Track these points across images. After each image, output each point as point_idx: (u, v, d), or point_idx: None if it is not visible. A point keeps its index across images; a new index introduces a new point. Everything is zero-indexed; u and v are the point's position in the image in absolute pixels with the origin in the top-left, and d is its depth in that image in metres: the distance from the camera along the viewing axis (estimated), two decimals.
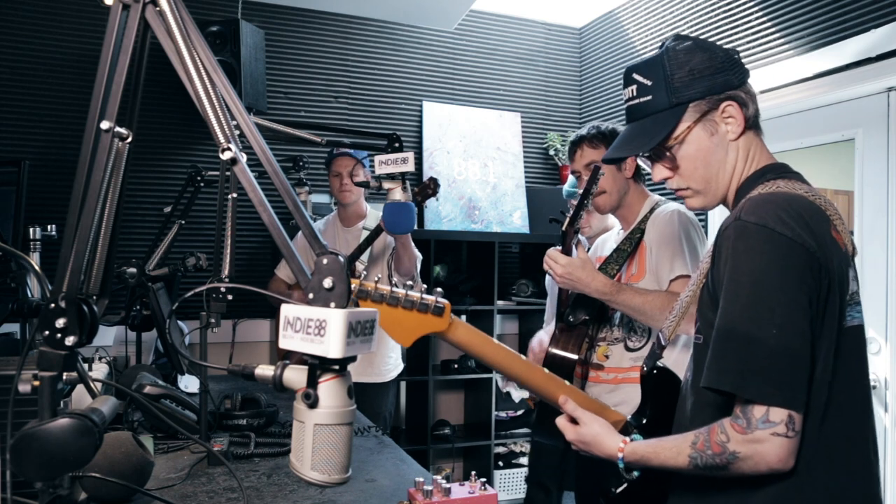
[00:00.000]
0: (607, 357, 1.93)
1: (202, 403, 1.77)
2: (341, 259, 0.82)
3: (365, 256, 2.86)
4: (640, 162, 1.31)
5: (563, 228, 1.81)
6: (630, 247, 1.91)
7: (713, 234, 2.87)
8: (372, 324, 0.83)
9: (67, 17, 3.36)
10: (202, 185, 2.70)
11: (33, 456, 0.86)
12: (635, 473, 1.20)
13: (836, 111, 2.78)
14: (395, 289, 1.11)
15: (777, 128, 2.91)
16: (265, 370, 0.86)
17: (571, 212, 1.81)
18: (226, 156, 0.89)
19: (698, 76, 1.16)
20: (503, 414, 4.00)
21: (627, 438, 1.17)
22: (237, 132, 0.93)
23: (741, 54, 1.23)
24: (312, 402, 0.82)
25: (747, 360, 1.00)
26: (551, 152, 4.31)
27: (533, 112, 4.36)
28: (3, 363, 1.28)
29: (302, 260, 0.86)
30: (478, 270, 3.99)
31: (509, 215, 4.11)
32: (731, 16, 3.21)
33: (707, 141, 1.17)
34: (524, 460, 3.95)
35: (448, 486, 1.38)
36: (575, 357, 1.83)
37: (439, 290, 1.14)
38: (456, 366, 3.85)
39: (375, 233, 2.69)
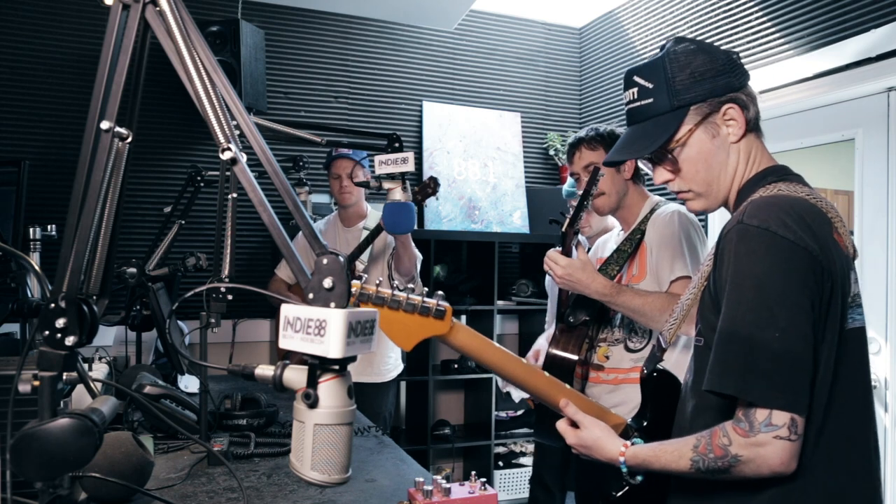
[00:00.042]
0: (608, 358, 1.93)
1: (202, 403, 1.77)
2: (341, 259, 0.82)
3: (365, 256, 2.86)
4: (640, 164, 1.31)
5: (563, 229, 1.81)
6: (630, 248, 1.91)
7: (713, 236, 2.87)
8: (372, 324, 0.83)
9: (67, 17, 3.36)
10: (202, 185, 2.70)
11: (33, 456, 0.86)
12: (639, 478, 1.19)
13: (836, 111, 2.78)
14: (396, 292, 1.11)
15: (777, 128, 2.92)
16: (265, 370, 0.86)
17: (571, 213, 1.81)
18: (226, 156, 0.89)
19: (699, 79, 1.16)
20: (503, 414, 4.00)
21: (628, 442, 1.17)
22: (237, 132, 0.93)
23: (741, 54, 1.23)
24: (312, 402, 0.82)
25: (750, 364, 1.00)
26: (551, 152, 4.31)
27: (533, 112, 4.36)
28: (3, 363, 1.28)
29: (302, 260, 0.86)
30: (478, 270, 3.99)
31: (509, 215, 4.11)
32: (731, 16, 3.21)
33: (709, 143, 1.17)
34: (524, 460, 3.95)
35: (448, 486, 1.38)
36: (575, 358, 1.82)
37: (441, 293, 1.14)
38: (456, 366, 3.85)
39: (375, 232, 2.69)
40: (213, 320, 1.63)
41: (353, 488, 1.55)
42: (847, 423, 1.07)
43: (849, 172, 2.70)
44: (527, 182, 4.22)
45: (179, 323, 2.97)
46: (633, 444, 1.16)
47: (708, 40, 3.20)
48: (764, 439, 0.99)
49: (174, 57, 0.93)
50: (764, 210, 1.06)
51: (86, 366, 1.75)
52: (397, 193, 2.00)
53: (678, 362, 1.73)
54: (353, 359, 0.82)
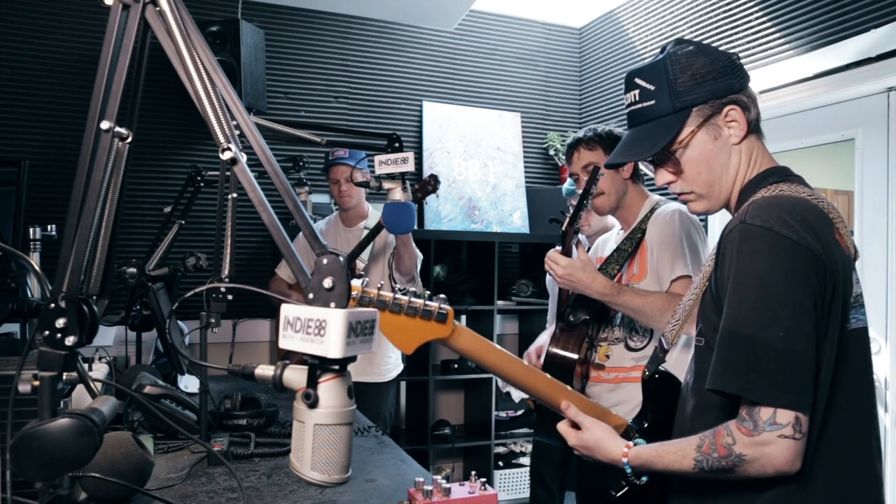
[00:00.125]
0: (608, 357, 1.93)
1: (202, 403, 1.77)
2: (341, 259, 0.82)
3: (366, 255, 2.86)
4: (641, 165, 1.31)
5: (563, 228, 1.81)
6: (631, 247, 1.91)
7: (714, 236, 2.88)
8: (372, 324, 0.83)
9: (67, 17, 3.36)
10: (202, 185, 2.70)
11: (33, 456, 0.86)
12: (644, 479, 1.19)
13: (836, 111, 2.78)
14: (397, 295, 1.10)
15: (777, 128, 2.92)
16: (265, 370, 0.86)
17: (571, 212, 1.81)
18: (226, 156, 0.89)
19: (701, 80, 1.16)
20: (503, 414, 4.00)
21: (631, 443, 1.17)
22: (237, 132, 0.93)
23: (741, 55, 1.23)
24: (312, 402, 0.82)
25: (753, 363, 1.00)
26: (551, 152, 4.31)
27: (533, 112, 4.36)
28: (3, 363, 1.28)
29: (302, 260, 0.86)
30: (478, 270, 3.99)
31: (509, 215, 4.11)
32: (731, 16, 3.21)
33: (710, 145, 1.17)
34: (524, 460, 3.95)
35: (448, 486, 1.38)
36: (575, 357, 1.83)
37: (442, 296, 1.13)
38: (456, 366, 3.85)
39: (376, 230, 2.69)
40: (213, 320, 1.63)
41: (353, 488, 1.55)
42: (849, 423, 1.07)
43: (849, 172, 2.70)
44: (527, 182, 4.22)
45: (179, 323, 2.97)
46: (635, 444, 1.16)
47: (708, 40, 3.20)
48: (768, 438, 0.99)
49: (174, 57, 0.93)
50: (766, 210, 1.06)
51: (86, 366, 1.75)
52: (397, 193, 2.00)
53: (678, 362, 1.73)
54: (353, 359, 0.82)
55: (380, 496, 1.52)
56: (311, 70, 3.84)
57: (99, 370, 1.77)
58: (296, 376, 0.84)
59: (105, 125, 0.93)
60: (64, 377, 0.92)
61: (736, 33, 3.17)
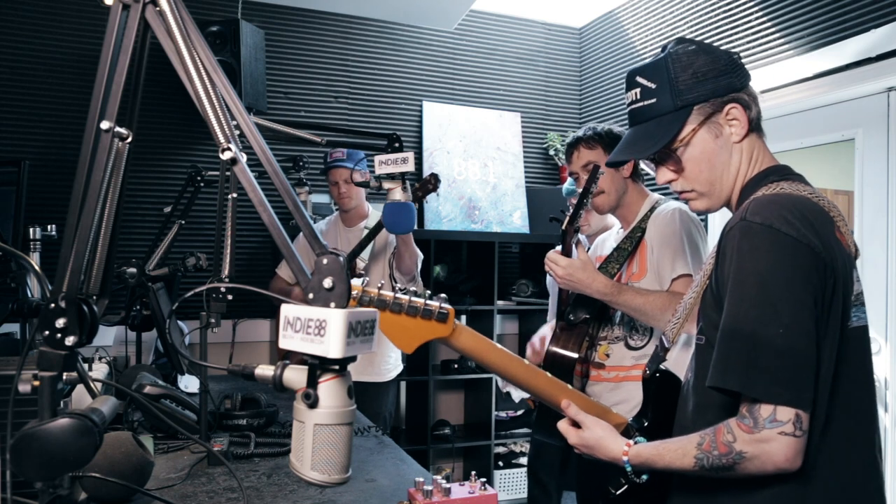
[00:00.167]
0: (608, 356, 1.93)
1: (202, 403, 1.77)
2: (341, 259, 0.82)
3: (366, 254, 2.86)
4: (642, 164, 1.31)
5: (563, 227, 1.81)
6: (631, 246, 1.91)
7: (713, 234, 2.87)
8: (372, 324, 0.83)
9: (67, 17, 3.36)
10: (202, 185, 2.70)
11: (33, 456, 0.86)
12: (644, 477, 1.19)
13: (836, 111, 2.78)
14: (397, 295, 1.10)
15: (777, 128, 2.91)
16: (265, 370, 0.86)
17: (571, 211, 1.81)
18: (226, 156, 0.89)
19: (702, 79, 1.16)
20: (503, 414, 4.00)
21: (631, 441, 1.17)
22: (237, 132, 0.93)
23: (741, 54, 1.23)
24: (312, 402, 0.82)
25: (753, 360, 1.00)
26: (551, 152, 4.31)
27: (533, 112, 4.36)
28: (3, 363, 1.28)
29: (303, 260, 0.86)
30: (478, 270, 3.99)
31: (509, 215, 4.11)
32: (731, 16, 3.21)
33: (712, 143, 1.18)
34: (524, 460, 3.95)
35: (448, 486, 1.38)
36: (575, 356, 1.83)
37: (443, 295, 1.13)
38: (456, 366, 3.85)
39: (376, 230, 2.69)
40: (213, 320, 1.63)
41: (353, 488, 1.55)
42: (850, 421, 1.07)
43: (849, 172, 2.70)
44: (527, 182, 4.22)
45: (179, 323, 2.97)
46: (635, 443, 1.16)
47: (708, 40, 3.20)
48: (769, 435, 0.99)
49: (174, 57, 0.93)
50: (767, 207, 1.06)
51: (86, 366, 1.75)
52: (397, 193, 2.00)
53: (678, 360, 1.73)
54: (353, 359, 0.82)
55: (380, 496, 1.52)
56: (311, 70, 3.84)
57: (99, 370, 1.77)
58: (296, 376, 0.84)
59: (105, 125, 0.93)
60: (64, 377, 0.92)
61: (736, 33, 3.17)
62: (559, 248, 1.83)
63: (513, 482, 3.91)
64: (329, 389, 0.82)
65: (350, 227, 3.00)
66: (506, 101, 4.28)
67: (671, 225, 1.85)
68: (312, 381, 0.82)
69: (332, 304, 0.80)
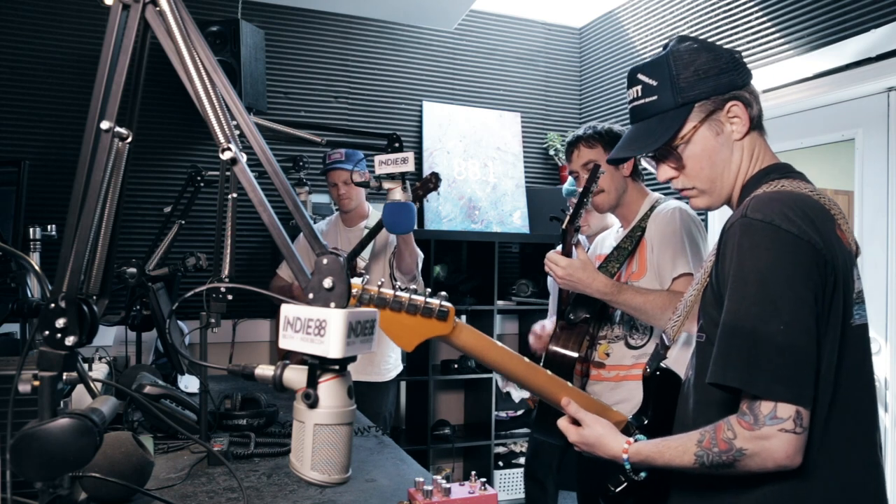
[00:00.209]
0: (608, 355, 1.93)
1: (202, 403, 1.77)
2: (341, 259, 0.82)
3: (366, 254, 2.86)
4: (643, 162, 1.31)
5: (564, 227, 1.81)
6: (631, 245, 1.91)
7: (713, 233, 2.87)
8: (372, 324, 0.83)
9: (67, 17, 3.36)
10: (202, 185, 2.70)
11: (33, 456, 0.86)
12: (643, 474, 1.20)
13: (836, 111, 2.78)
14: (397, 293, 1.10)
15: (777, 128, 2.91)
16: (265, 370, 0.86)
17: (571, 210, 1.81)
18: (226, 156, 0.89)
19: (703, 76, 1.16)
20: (503, 414, 4.00)
21: (631, 439, 1.17)
22: (237, 132, 0.93)
23: (741, 54, 1.23)
24: (312, 402, 0.82)
25: (754, 357, 1.00)
26: (551, 152, 4.31)
27: (533, 112, 4.36)
28: (3, 363, 1.28)
29: (303, 260, 0.86)
30: (478, 270, 3.99)
31: (509, 215, 4.11)
32: (731, 16, 3.21)
33: (712, 140, 1.18)
34: (524, 460, 3.95)
35: (448, 486, 1.38)
36: (575, 355, 1.83)
37: (444, 293, 1.13)
38: (456, 366, 3.85)
39: (376, 229, 2.69)
40: (213, 320, 1.63)
41: (353, 488, 1.55)
42: (852, 420, 1.07)
43: (849, 172, 2.70)
44: (527, 182, 4.22)
45: (179, 323, 2.97)
46: (636, 440, 1.16)
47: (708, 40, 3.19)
48: (769, 432, 0.99)
49: (174, 57, 0.93)
50: (767, 204, 1.06)
51: (86, 366, 1.75)
52: (397, 193, 2.00)
53: (678, 359, 1.73)
54: (353, 359, 0.82)
55: (380, 496, 1.52)
56: (311, 70, 3.84)
57: (99, 370, 1.77)
58: (296, 376, 0.84)
59: (105, 125, 0.93)
60: (64, 377, 0.92)
61: (736, 33, 3.17)
62: (559, 247, 1.83)
63: (513, 482, 3.91)
64: (329, 389, 0.82)
65: (350, 227, 3.00)
66: (506, 101, 4.28)
67: (671, 224, 1.85)
68: (312, 381, 0.82)
69: (332, 304, 0.80)
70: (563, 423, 1.26)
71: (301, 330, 0.80)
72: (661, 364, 1.32)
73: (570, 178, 2.79)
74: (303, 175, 3.43)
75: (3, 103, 3.26)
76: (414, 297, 1.10)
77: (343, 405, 0.83)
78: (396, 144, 1.98)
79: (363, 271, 2.86)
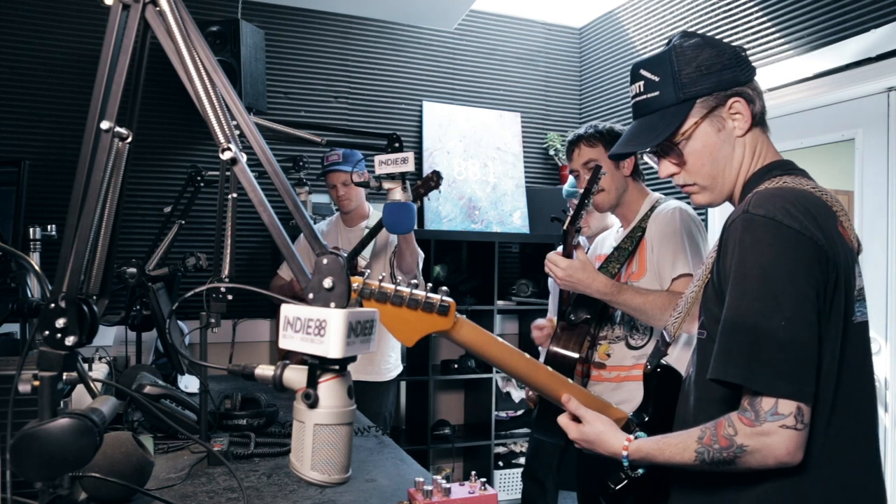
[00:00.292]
0: (609, 355, 1.93)
1: (202, 403, 1.77)
2: (341, 259, 0.82)
3: (367, 253, 2.86)
4: (646, 158, 1.31)
5: (565, 227, 1.81)
6: (631, 245, 1.91)
7: (714, 232, 2.87)
8: (372, 324, 0.83)
9: (67, 17, 3.36)
10: (202, 185, 2.70)
11: (33, 456, 0.86)
12: (640, 471, 1.19)
13: (836, 111, 2.78)
14: (399, 288, 1.10)
15: (777, 128, 2.87)
16: (265, 370, 0.86)
17: (572, 211, 1.81)
18: (226, 156, 0.89)
19: (706, 72, 1.16)
20: (503, 414, 4.00)
21: (631, 436, 1.17)
22: (237, 132, 0.93)
23: (745, 51, 1.23)
24: (312, 402, 0.82)
25: (755, 352, 1.00)
26: (551, 152, 4.31)
27: (533, 112, 4.36)
28: (3, 363, 1.28)
29: (303, 260, 0.86)
30: (478, 270, 3.99)
31: (509, 215, 4.11)
32: (731, 16, 3.21)
33: (714, 137, 1.17)
34: (524, 460, 3.95)
35: (448, 486, 1.38)
36: (576, 356, 1.83)
37: (444, 288, 1.13)
38: (456, 366, 3.85)
39: (376, 229, 2.69)
40: (213, 320, 1.63)
41: (353, 488, 1.55)
42: (853, 417, 1.07)
43: (849, 172, 2.70)
44: (527, 182, 4.22)
45: (179, 323, 2.97)
46: (636, 437, 1.16)
47: None
48: (770, 429, 0.99)
49: (174, 57, 0.93)
50: (769, 200, 1.06)
51: (86, 366, 1.75)
52: (397, 193, 2.00)
53: (679, 359, 1.73)
54: (353, 359, 0.82)
55: (380, 496, 1.52)
56: (311, 70, 3.84)
57: (99, 370, 1.77)
58: (296, 376, 0.84)
59: (105, 125, 0.93)
60: (64, 377, 0.92)
61: (736, 33, 3.17)
62: (560, 248, 1.83)
63: (513, 482, 3.91)
64: (329, 389, 0.82)
65: (351, 227, 3.00)
66: (506, 101, 4.28)
67: (671, 224, 1.85)
68: (312, 381, 0.82)
69: (332, 304, 0.80)
70: (563, 420, 1.26)
71: (301, 330, 0.80)
72: (662, 361, 1.32)
73: (570, 179, 2.79)
74: (303, 175, 3.43)
75: (3, 103, 3.26)
76: (415, 291, 1.10)
77: (343, 405, 0.83)
78: (396, 144, 1.98)
79: (364, 270, 2.86)
